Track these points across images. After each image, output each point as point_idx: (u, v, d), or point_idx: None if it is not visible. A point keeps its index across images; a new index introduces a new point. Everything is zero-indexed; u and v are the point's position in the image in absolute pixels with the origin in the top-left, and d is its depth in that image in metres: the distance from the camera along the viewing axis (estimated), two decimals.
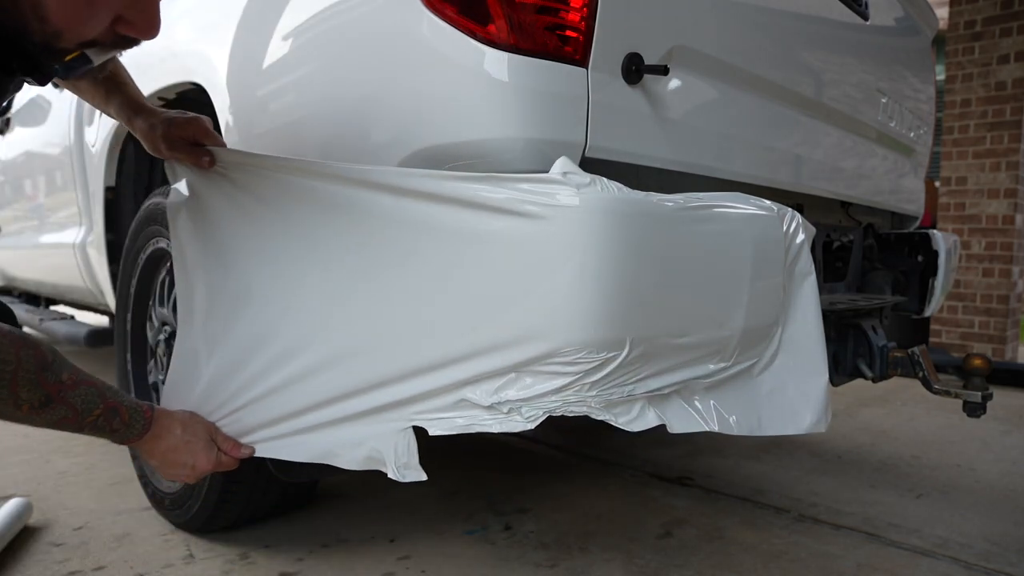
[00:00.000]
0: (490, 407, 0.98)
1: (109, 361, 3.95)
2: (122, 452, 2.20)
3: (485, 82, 0.96)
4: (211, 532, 1.61)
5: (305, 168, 1.09)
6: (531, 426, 0.97)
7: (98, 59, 0.85)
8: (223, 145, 1.25)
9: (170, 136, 1.21)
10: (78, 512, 1.75)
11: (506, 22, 0.94)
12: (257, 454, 1.17)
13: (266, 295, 1.16)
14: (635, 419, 0.99)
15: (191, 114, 1.23)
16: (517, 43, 0.95)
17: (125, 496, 1.86)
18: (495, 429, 0.98)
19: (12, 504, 1.61)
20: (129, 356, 1.87)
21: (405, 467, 1.02)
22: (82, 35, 0.77)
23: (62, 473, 2.05)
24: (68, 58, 0.81)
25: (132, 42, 0.85)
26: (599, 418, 0.97)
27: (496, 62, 0.95)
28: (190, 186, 1.29)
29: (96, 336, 2.44)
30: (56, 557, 1.50)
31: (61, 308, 4.16)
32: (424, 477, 0.99)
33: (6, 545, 1.52)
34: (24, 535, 1.60)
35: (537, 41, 0.95)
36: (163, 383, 1.74)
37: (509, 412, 0.97)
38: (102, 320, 4.54)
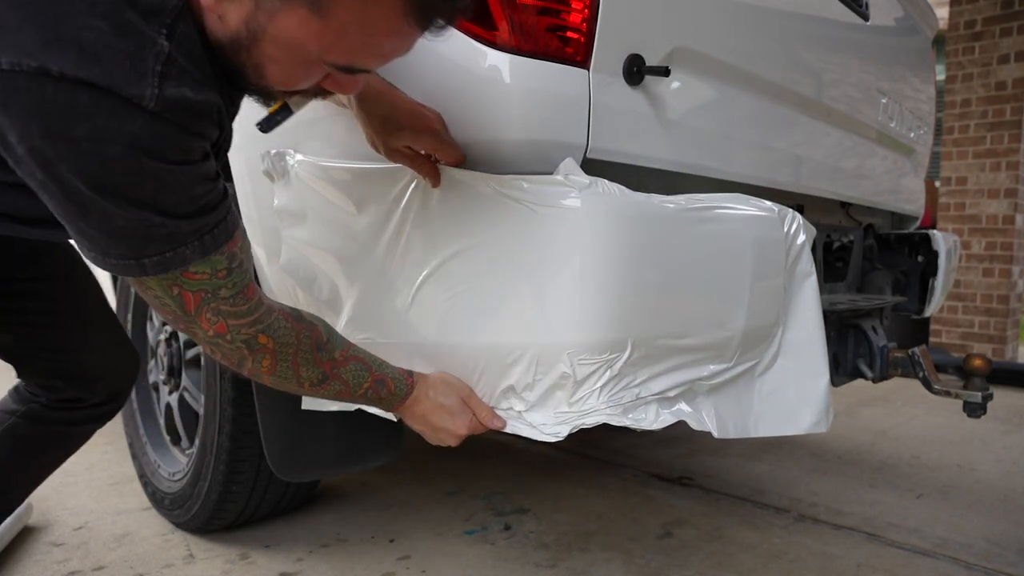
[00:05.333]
0: (519, 413, 1.00)
1: None
2: (122, 452, 2.19)
3: (487, 84, 0.96)
4: (211, 532, 1.61)
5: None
6: (551, 439, 0.97)
7: (298, 108, 0.91)
8: (456, 157, 0.97)
9: (389, 143, 0.98)
10: (78, 512, 1.75)
11: (508, 24, 0.94)
12: (507, 430, 1.07)
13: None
14: (655, 420, 0.99)
15: (419, 108, 0.96)
16: (519, 45, 0.94)
17: (125, 496, 1.86)
18: (524, 434, 0.99)
19: None
20: None
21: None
22: (291, 89, 0.82)
23: (62, 473, 2.05)
24: (272, 110, 0.88)
25: (330, 94, 0.86)
26: (619, 423, 0.97)
27: (498, 64, 0.95)
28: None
29: None
30: (56, 557, 1.50)
31: None
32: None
33: (6, 545, 1.52)
34: (24, 535, 1.60)
35: (539, 43, 0.95)
36: (163, 382, 1.75)
37: (531, 425, 0.98)
38: None
